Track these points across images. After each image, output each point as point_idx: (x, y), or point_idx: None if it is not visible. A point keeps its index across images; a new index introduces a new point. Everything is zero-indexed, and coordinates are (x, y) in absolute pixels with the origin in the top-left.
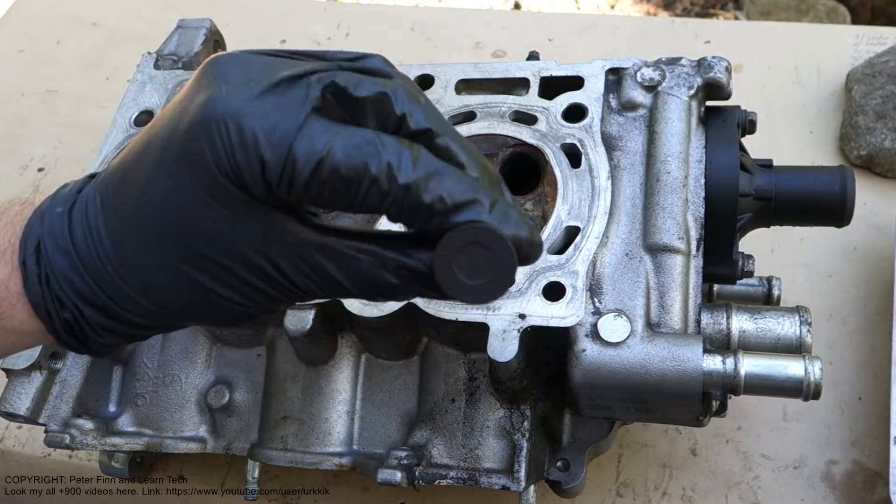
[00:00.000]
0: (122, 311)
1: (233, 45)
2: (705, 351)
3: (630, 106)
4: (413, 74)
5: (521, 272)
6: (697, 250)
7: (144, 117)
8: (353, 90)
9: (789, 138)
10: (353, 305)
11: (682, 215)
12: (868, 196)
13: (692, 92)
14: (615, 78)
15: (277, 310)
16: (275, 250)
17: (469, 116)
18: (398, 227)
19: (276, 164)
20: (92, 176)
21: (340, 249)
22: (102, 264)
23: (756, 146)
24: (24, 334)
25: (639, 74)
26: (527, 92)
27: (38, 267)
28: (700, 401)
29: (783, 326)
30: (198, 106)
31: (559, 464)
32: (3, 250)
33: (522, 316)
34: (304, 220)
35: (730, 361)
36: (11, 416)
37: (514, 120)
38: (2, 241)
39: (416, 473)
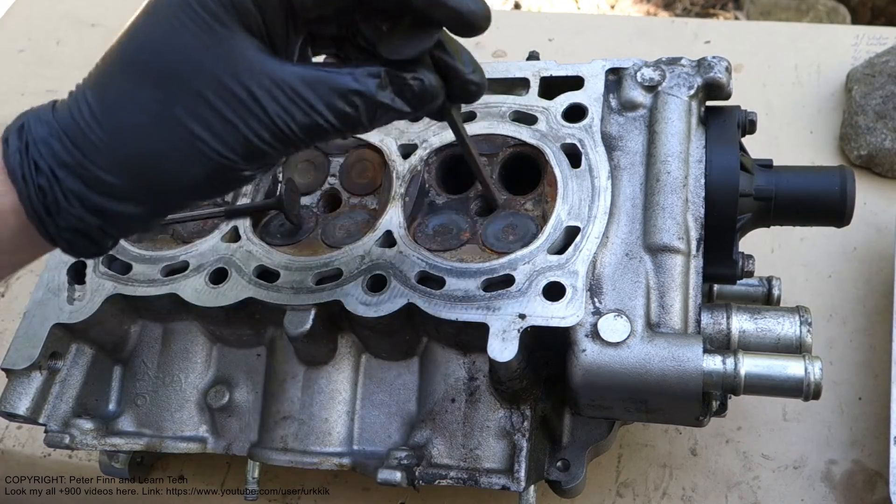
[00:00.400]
0: (98, 171)
1: None
2: (705, 351)
3: (630, 106)
4: None
5: (522, 272)
6: (697, 250)
7: None
8: None
9: (789, 138)
10: (354, 305)
11: (682, 215)
12: (868, 196)
13: (692, 92)
14: (615, 78)
15: (250, 169)
16: (247, 74)
17: (469, 116)
18: None
19: None
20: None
21: (309, 72)
22: (83, 124)
23: (756, 146)
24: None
25: (639, 74)
26: (527, 92)
27: (19, 140)
28: (700, 401)
29: (783, 326)
30: None
31: (559, 464)
32: None
33: (522, 316)
34: (275, 50)
35: (730, 361)
36: (11, 416)
37: (514, 120)
38: None
39: (416, 473)
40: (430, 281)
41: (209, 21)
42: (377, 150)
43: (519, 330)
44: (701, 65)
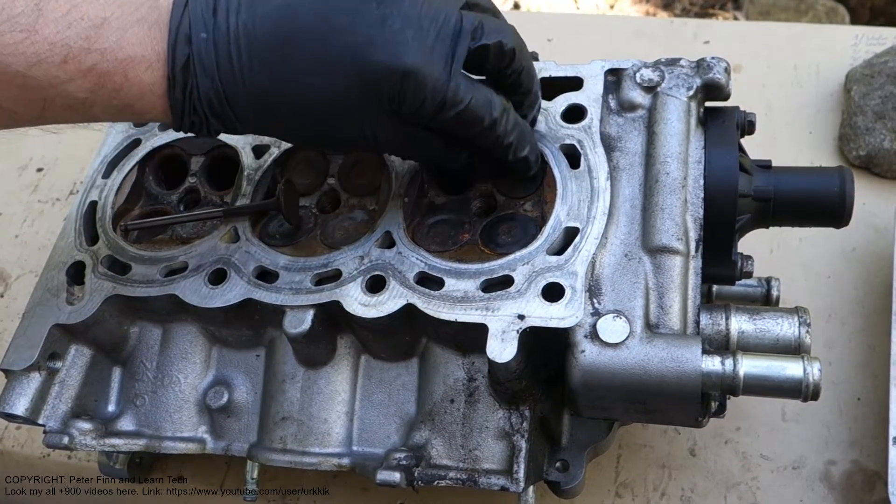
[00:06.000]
0: (239, 125)
1: None
2: (704, 352)
3: (629, 107)
4: None
5: (521, 273)
6: (696, 251)
7: None
8: (496, 61)
9: (788, 139)
10: (353, 306)
11: (681, 216)
12: (867, 196)
13: (691, 93)
14: (614, 79)
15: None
16: (375, 132)
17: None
18: None
19: (430, 105)
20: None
21: (422, 135)
22: (244, 98)
23: (755, 146)
24: (152, 119)
25: (638, 75)
26: None
27: (184, 80)
28: (699, 401)
29: (782, 327)
30: (388, 43)
31: (558, 464)
32: (150, 61)
33: (521, 317)
34: (402, 120)
35: (729, 362)
36: (10, 417)
37: None
38: (149, 51)
39: (416, 474)
40: (430, 282)
41: None
42: None
43: (518, 331)
44: (700, 65)
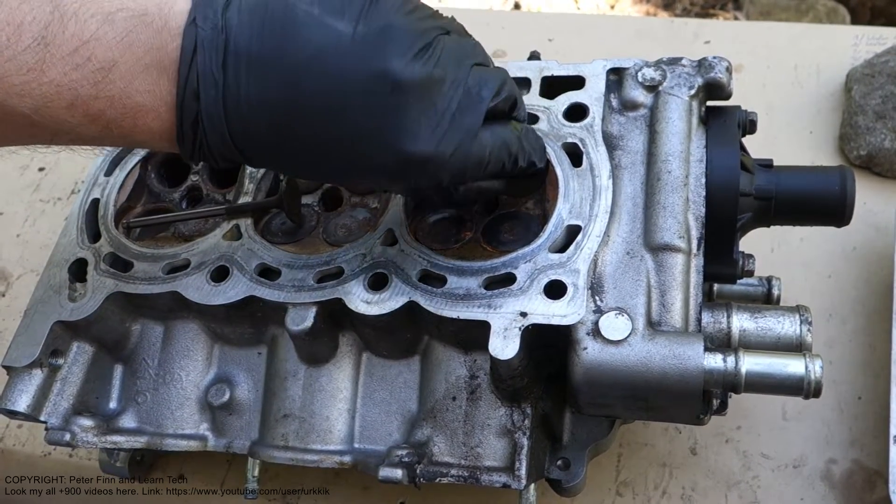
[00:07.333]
0: (247, 151)
1: None
2: (706, 349)
3: (631, 105)
4: None
5: (523, 270)
6: (698, 249)
7: None
8: (512, 111)
9: (789, 138)
10: (355, 303)
11: (682, 214)
12: (868, 196)
13: (693, 92)
14: (616, 78)
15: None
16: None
17: None
18: None
19: (450, 179)
20: (215, 37)
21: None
22: (254, 154)
23: (756, 146)
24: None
25: (640, 74)
26: (528, 91)
27: (193, 134)
28: (701, 399)
29: (783, 325)
30: (398, 134)
31: (559, 462)
32: (158, 110)
33: (524, 314)
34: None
35: (730, 359)
36: (12, 414)
37: None
38: (157, 100)
39: (418, 471)
40: (432, 279)
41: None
42: None
43: (520, 328)
44: (701, 65)
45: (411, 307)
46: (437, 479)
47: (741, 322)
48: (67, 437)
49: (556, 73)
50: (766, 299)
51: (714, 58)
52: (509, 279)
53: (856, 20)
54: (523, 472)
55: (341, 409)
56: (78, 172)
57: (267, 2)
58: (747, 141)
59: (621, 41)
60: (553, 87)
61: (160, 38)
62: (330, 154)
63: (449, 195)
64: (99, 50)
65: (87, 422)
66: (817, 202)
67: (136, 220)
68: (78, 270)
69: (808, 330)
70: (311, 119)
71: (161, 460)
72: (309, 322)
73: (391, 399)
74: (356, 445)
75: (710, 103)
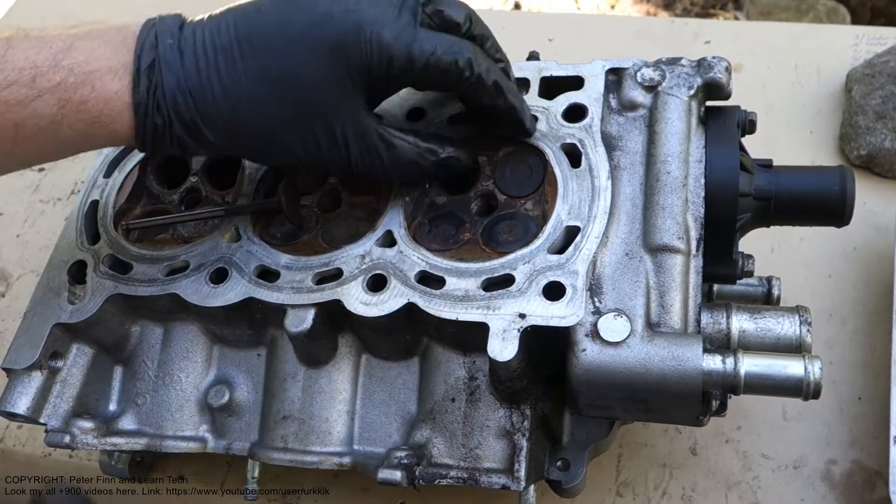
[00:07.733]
0: (206, 132)
1: None
2: (705, 350)
3: (630, 106)
4: None
5: (522, 272)
6: (697, 250)
7: None
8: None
9: (789, 138)
10: (354, 305)
11: (682, 215)
12: (868, 196)
13: (692, 92)
14: (615, 78)
15: (316, 178)
16: (349, 124)
17: (471, 116)
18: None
19: (399, 62)
20: (178, 18)
21: (390, 135)
22: (209, 95)
23: (756, 146)
24: (119, 137)
25: (639, 74)
26: (527, 92)
27: (149, 80)
28: (700, 400)
29: (783, 326)
30: (346, 12)
31: (559, 463)
32: (116, 70)
33: (522, 315)
34: (373, 113)
35: (730, 361)
36: (11, 416)
37: None
38: (115, 62)
39: (417, 473)
40: (430, 280)
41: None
42: None
43: (519, 329)
44: (701, 65)
45: (410, 309)
46: (437, 481)
47: (740, 323)
48: (67, 439)
49: (555, 73)
50: (765, 299)
51: (713, 58)
52: (508, 280)
53: (856, 20)
54: (522, 473)
55: (340, 411)
56: (78, 173)
57: None
58: (747, 141)
59: (621, 41)
60: (552, 87)
61: (122, 29)
62: (287, 60)
63: (419, 154)
64: (58, 40)
65: (86, 424)
66: (817, 202)
67: (135, 222)
68: (77, 272)
69: (808, 330)
70: (266, 34)
71: (161, 461)
72: (308, 324)
73: (390, 400)
74: (355, 447)
75: (709, 103)
